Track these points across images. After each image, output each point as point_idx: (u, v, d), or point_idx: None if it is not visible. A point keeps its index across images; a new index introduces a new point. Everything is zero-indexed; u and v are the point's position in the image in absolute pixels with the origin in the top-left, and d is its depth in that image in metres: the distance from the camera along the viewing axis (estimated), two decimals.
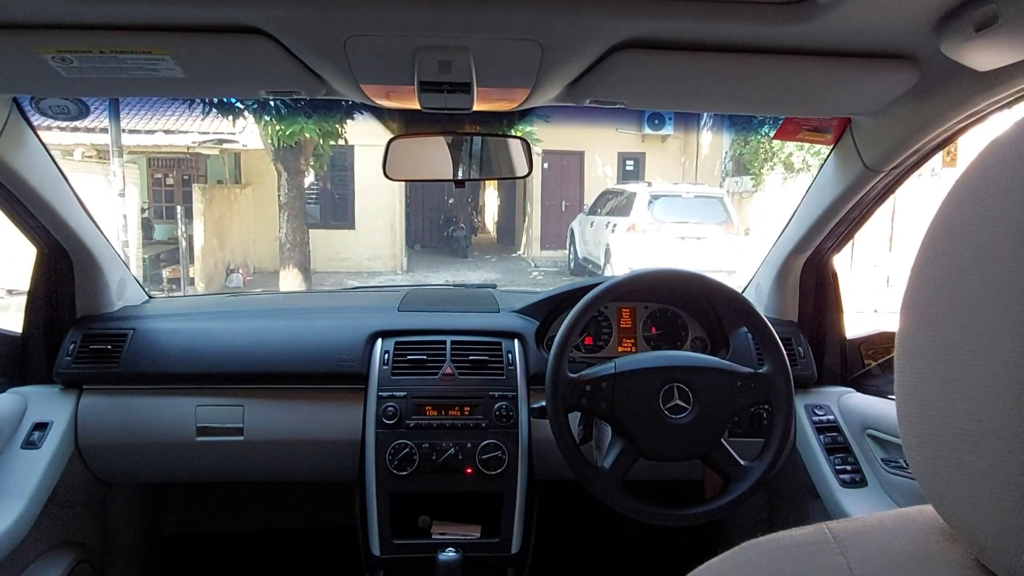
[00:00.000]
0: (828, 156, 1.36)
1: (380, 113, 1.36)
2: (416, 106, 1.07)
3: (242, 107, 8.06)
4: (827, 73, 0.97)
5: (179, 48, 0.90)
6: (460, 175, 1.41)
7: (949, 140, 1.12)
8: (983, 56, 0.80)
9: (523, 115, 1.44)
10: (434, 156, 1.38)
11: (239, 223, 10.91)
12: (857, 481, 1.40)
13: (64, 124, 9.19)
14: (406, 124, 1.43)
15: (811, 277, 1.60)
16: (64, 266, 1.49)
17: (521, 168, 1.39)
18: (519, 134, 1.38)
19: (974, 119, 1.03)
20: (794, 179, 10.78)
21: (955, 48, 0.81)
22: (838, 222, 1.43)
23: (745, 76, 0.99)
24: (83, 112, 1.20)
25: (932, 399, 0.34)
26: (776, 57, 0.93)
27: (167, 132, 10.11)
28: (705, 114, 12.11)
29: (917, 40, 0.87)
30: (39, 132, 1.29)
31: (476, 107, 1.08)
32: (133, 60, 0.91)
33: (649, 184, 10.49)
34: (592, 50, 0.91)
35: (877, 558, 0.37)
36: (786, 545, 0.41)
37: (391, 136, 1.31)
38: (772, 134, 1.33)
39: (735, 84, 1.02)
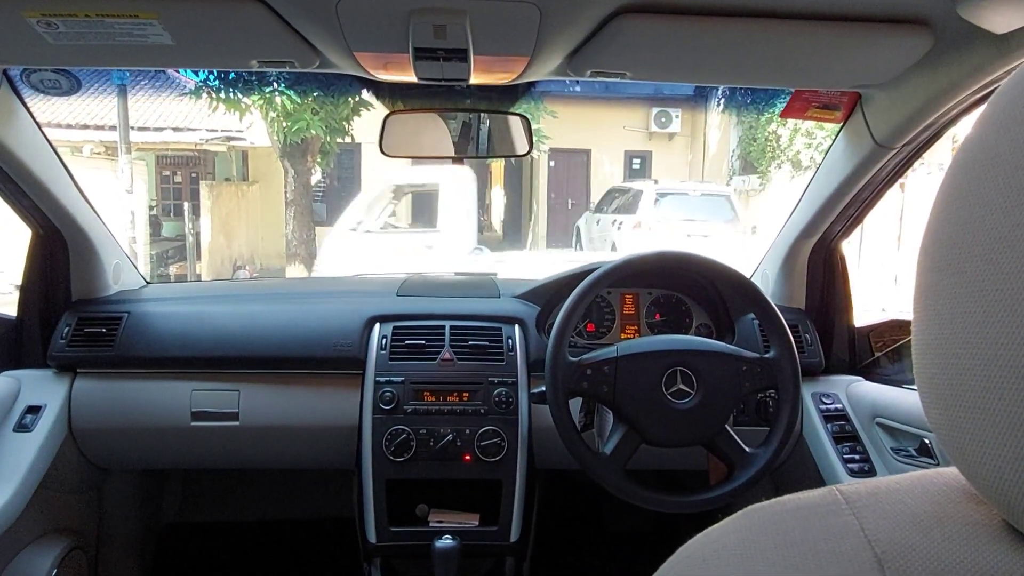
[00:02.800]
0: (837, 135, 1.32)
1: (380, 91, 1.34)
2: (413, 77, 1.04)
3: (249, 103, 8.09)
4: (837, 40, 0.93)
5: (167, 12, 0.87)
6: (458, 152, 1.38)
7: (963, 113, 1.08)
8: (1002, 16, 0.77)
9: (525, 91, 1.40)
10: (432, 132, 1.35)
11: (246, 220, 10.95)
12: (866, 471, 1.36)
13: (72, 121, 9.28)
14: (406, 102, 1.41)
15: (819, 263, 1.57)
16: (59, 248, 1.47)
17: (521, 146, 1.36)
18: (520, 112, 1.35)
19: (989, 88, 0.99)
20: (802, 177, 10.73)
21: (972, 8, 0.78)
22: (847, 204, 1.40)
23: (751, 43, 0.95)
24: (74, 87, 1.18)
25: (953, 347, 0.31)
26: (783, 22, 0.89)
27: (175, 129, 10.16)
28: (714, 109, 12.08)
29: (932, 1, 0.83)
30: (45, 125, 1.28)
31: (474, 79, 1.05)
32: (120, 25, 0.89)
33: (656, 182, 10.46)
34: (593, 14, 0.88)
35: (892, 519, 0.34)
36: (793, 508, 0.38)
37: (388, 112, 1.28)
38: (780, 114, 1.29)
39: (741, 52, 0.99)
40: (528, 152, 1.36)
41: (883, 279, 8.03)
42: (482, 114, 1.40)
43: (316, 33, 0.94)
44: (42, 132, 1.30)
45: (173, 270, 9.91)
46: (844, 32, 0.91)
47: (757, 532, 0.38)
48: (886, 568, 0.31)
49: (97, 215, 1.50)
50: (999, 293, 0.29)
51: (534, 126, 1.34)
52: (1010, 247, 0.28)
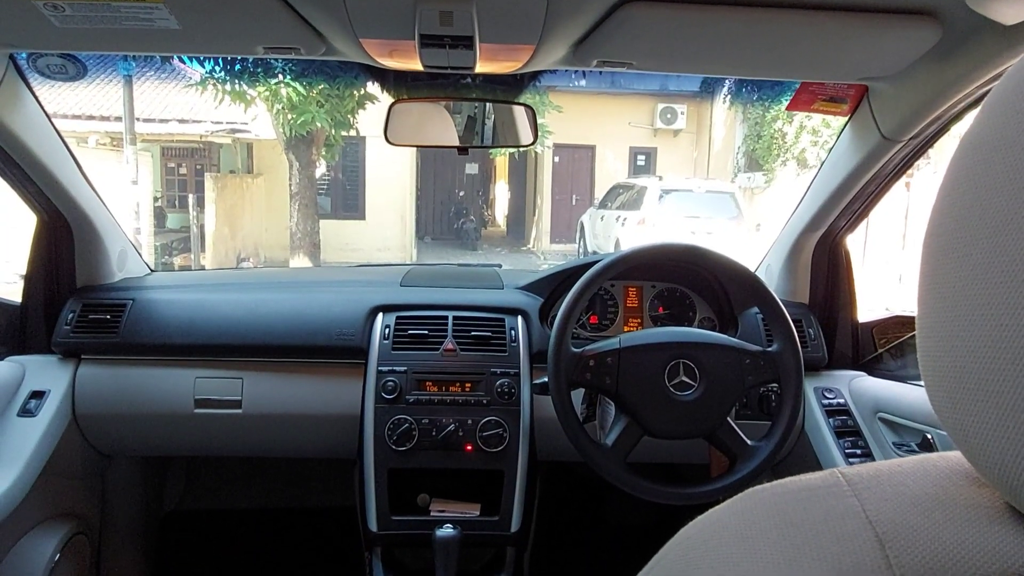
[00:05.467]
0: (843, 128, 1.32)
1: (385, 81, 1.33)
2: (419, 65, 1.04)
3: (254, 94, 8.08)
4: (844, 31, 0.93)
5: None
6: (463, 142, 1.38)
7: (970, 106, 1.07)
8: (1010, 7, 0.76)
9: (530, 81, 1.40)
10: (437, 122, 1.35)
11: (251, 212, 10.96)
12: None
13: (78, 112, 9.28)
14: (411, 92, 1.40)
15: (823, 257, 1.56)
16: (64, 235, 1.47)
17: (526, 136, 1.35)
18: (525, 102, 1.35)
19: (997, 82, 0.98)
20: (807, 175, 10.69)
21: None
22: (853, 198, 1.39)
23: (758, 34, 0.95)
24: (80, 72, 1.18)
25: (957, 329, 0.31)
26: (790, 13, 0.89)
27: (181, 121, 10.15)
28: (719, 105, 12.02)
29: None
30: (53, 115, 1.28)
31: (480, 68, 1.04)
32: (127, 9, 0.89)
33: (660, 178, 10.44)
34: (599, 2, 0.88)
35: (894, 501, 0.34)
36: (794, 490, 0.38)
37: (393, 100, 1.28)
38: (786, 106, 1.29)
39: (747, 43, 0.98)
40: (533, 142, 1.36)
41: (888, 278, 8.01)
42: (487, 104, 1.40)
43: (322, 19, 0.94)
44: (48, 118, 1.30)
45: (177, 261, 9.93)
46: (851, 23, 0.91)
47: (758, 514, 0.38)
48: (887, 548, 0.31)
49: (102, 202, 1.50)
50: (1004, 276, 0.28)
51: (539, 121, 1.34)
52: (1016, 230, 0.28)
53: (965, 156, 0.32)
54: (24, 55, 1.18)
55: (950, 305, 0.32)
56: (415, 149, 11.93)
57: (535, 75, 1.26)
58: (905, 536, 0.31)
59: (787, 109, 1.29)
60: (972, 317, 0.30)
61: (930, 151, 1.30)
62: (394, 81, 1.39)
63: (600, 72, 1.34)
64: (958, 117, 1.12)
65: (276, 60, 1.64)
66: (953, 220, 0.32)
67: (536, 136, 1.35)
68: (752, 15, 0.90)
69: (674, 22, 0.92)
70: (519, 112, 1.35)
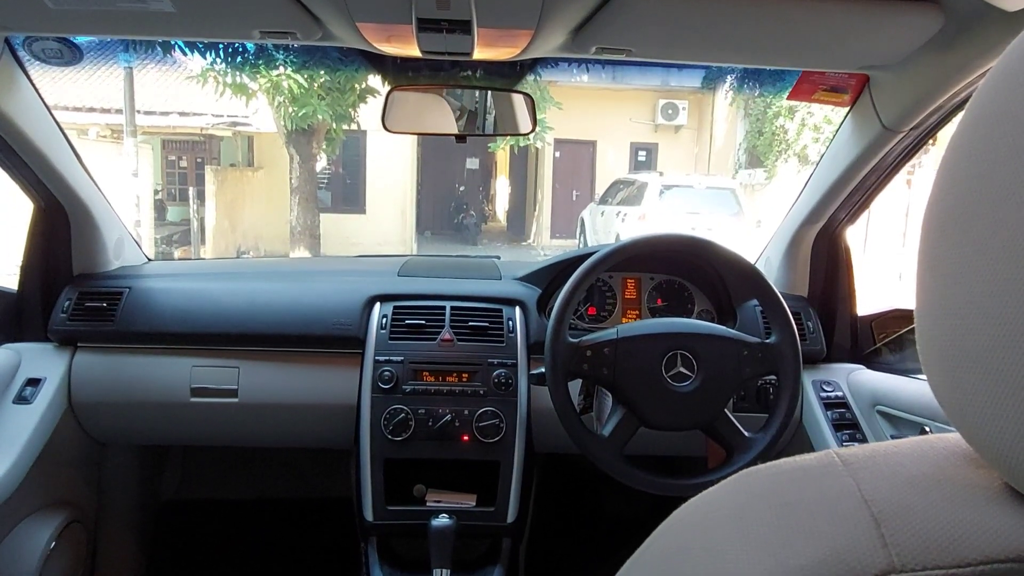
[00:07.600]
0: (844, 119, 1.31)
1: (384, 71, 1.32)
2: (416, 51, 1.03)
3: (255, 87, 8.05)
4: (845, 19, 0.92)
5: None
6: (462, 130, 1.37)
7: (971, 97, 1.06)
8: None
9: (529, 70, 1.39)
10: (436, 110, 1.34)
11: (251, 206, 10.95)
12: None
13: (79, 104, 9.25)
14: (410, 81, 1.40)
15: (823, 250, 1.56)
16: (61, 222, 1.47)
17: (525, 125, 1.35)
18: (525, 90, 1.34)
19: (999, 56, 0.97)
20: (808, 172, 10.68)
21: None
22: (853, 190, 1.39)
23: (758, 21, 0.94)
24: (77, 57, 1.17)
25: (956, 306, 0.30)
26: (792, 0, 0.88)
27: (181, 114, 10.14)
28: (721, 101, 11.99)
29: None
30: (54, 107, 1.27)
31: (477, 54, 1.04)
32: None
33: (661, 174, 10.43)
34: None
35: (890, 481, 0.33)
36: (789, 470, 0.38)
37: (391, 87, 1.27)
38: (787, 96, 1.28)
39: (748, 31, 0.98)
40: (532, 131, 1.35)
41: (887, 276, 8.00)
42: (487, 97, 1.39)
43: (318, 2, 0.93)
44: (45, 105, 1.29)
45: (177, 254, 9.94)
46: (853, 11, 0.90)
47: (752, 495, 0.37)
48: (883, 528, 0.30)
49: (99, 190, 1.49)
50: (1006, 250, 0.28)
51: (539, 116, 1.34)
52: (1018, 203, 0.27)
53: (967, 131, 0.32)
54: (20, 39, 1.17)
55: (950, 281, 0.31)
56: (416, 143, 11.94)
57: (533, 64, 1.26)
58: (901, 516, 0.30)
59: (788, 99, 1.28)
60: (972, 293, 0.29)
61: (930, 146, 1.29)
62: (393, 70, 1.39)
63: (603, 67, 1.33)
64: (960, 107, 1.11)
65: (276, 50, 1.63)
66: (954, 196, 0.31)
67: (535, 125, 1.34)
68: (753, 2, 0.89)
69: (674, 8, 0.92)
70: (518, 101, 1.34)
